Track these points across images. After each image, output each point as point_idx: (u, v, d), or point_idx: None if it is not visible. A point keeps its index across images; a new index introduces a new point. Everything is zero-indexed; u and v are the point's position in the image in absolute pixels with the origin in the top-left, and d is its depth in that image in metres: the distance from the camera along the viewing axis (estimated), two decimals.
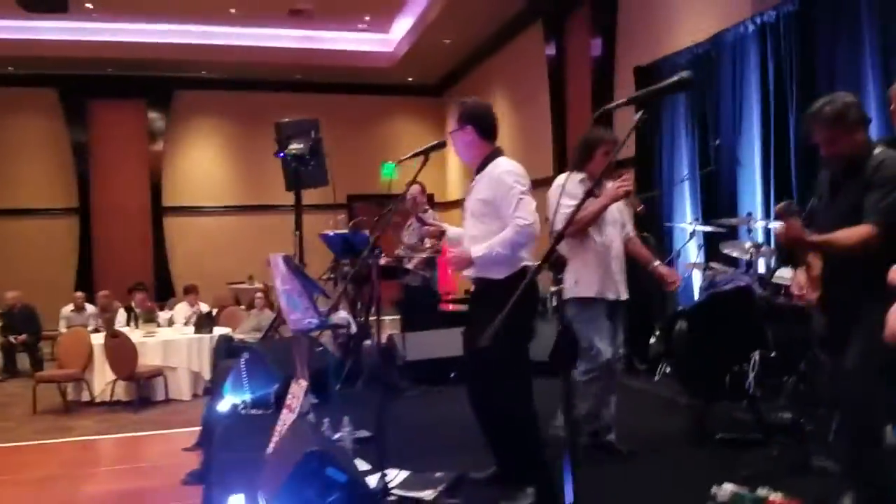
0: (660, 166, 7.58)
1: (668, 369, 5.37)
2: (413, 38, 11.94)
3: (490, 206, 3.22)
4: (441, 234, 3.55)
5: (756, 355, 4.16)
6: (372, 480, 3.20)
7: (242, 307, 11.09)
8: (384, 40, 12.78)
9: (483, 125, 3.33)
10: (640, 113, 1.77)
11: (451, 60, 13.02)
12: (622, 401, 3.98)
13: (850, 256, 2.65)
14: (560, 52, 9.67)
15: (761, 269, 5.23)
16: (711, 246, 6.27)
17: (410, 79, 14.03)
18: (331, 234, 5.72)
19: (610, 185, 3.76)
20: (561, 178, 3.87)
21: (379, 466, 3.21)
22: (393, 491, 3.28)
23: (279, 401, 4.92)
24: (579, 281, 3.73)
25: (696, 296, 6.15)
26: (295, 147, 6.45)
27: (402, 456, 3.62)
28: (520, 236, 3.12)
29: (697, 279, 6.38)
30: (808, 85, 5.76)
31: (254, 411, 4.97)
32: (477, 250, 3.18)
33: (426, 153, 3.35)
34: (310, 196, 7.11)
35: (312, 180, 6.91)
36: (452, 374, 5.63)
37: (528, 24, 10.50)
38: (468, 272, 3.33)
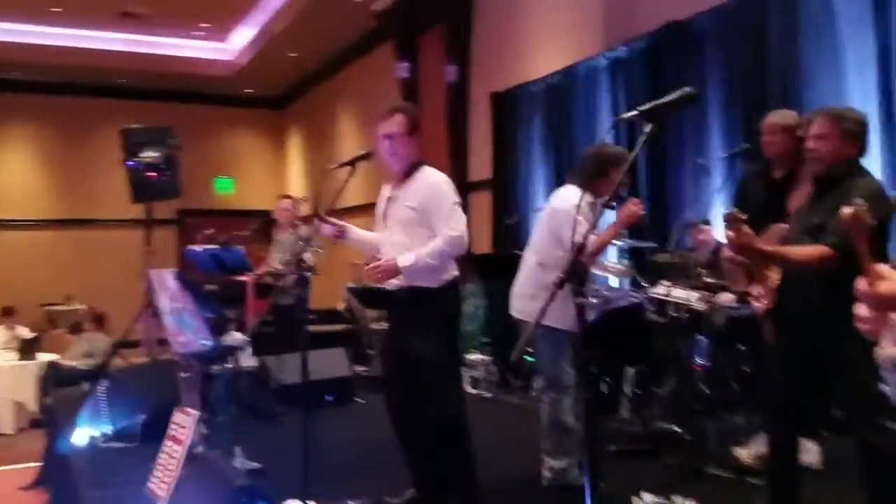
0: (515, 192, 7.83)
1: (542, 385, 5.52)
2: (256, 48, 11.58)
3: (420, 214, 3.19)
4: (342, 232, 3.43)
5: (631, 370, 4.41)
6: None
7: (62, 330, 10.13)
8: (223, 49, 12.29)
9: (419, 135, 3.30)
10: (650, 126, 1.81)
11: (295, 74, 12.76)
12: (503, 417, 4.02)
13: (804, 273, 2.76)
14: (413, 74, 9.77)
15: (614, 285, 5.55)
16: None
17: (250, 90, 13.58)
18: (199, 249, 5.37)
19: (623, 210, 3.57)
20: (575, 195, 3.53)
21: (303, 495, 3.03)
22: None
23: (148, 431, 4.54)
24: (556, 309, 3.55)
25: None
26: (149, 155, 6.02)
27: (306, 485, 3.41)
28: (451, 247, 3.13)
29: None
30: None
31: (116, 444, 4.54)
32: (404, 259, 3.13)
33: (353, 163, 3.24)
34: (131, 211, 6.67)
35: (164, 191, 6.48)
36: (329, 398, 5.46)
37: (379, 42, 10.52)
38: (393, 282, 3.25)
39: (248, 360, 5.49)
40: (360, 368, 6.63)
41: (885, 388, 2.03)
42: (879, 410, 2.76)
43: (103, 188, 12.22)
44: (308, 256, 6.05)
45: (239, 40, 11.88)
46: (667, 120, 7.59)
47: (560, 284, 1.78)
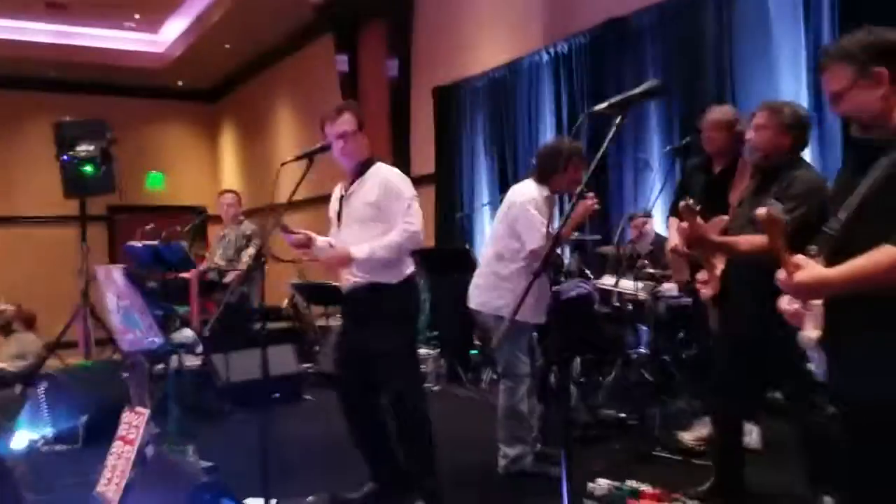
0: (458, 187, 7.88)
1: (493, 376, 5.60)
2: (189, 40, 11.29)
3: (378, 210, 3.19)
4: (308, 241, 3.41)
5: (579, 359, 4.51)
6: None
7: None
8: (154, 41, 11.94)
9: (365, 130, 3.30)
10: (619, 118, 1.86)
11: (229, 66, 12.48)
12: (455, 410, 4.06)
13: (750, 261, 2.87)
14: (353, 68, 9.71)
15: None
16: None
17: (182, 83, 13.24)
18: (138, 245, 5.23)
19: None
20: (534, 189, 3.66)
21: (265, 494, 3.01)
22: None
23: (90, 433, 4.43)
24: (513, 300, 3.55)
25: None
26: (84, 150, 5.84)
27: (267, 482, 3.38)
28: (407, 241, 3.15)
29: None
30: None
31: (58, 447, 4.40)
32: (359, 250, 3.13)
33: (310, 156, 3.21)
34: (61, 207, 6.45)
35: (98, 187, 6.31)
36: (276, 395, 5.41)
37: (317, 35, 10.40)
38: (347, 276, 3.25)
39: (190, 359, 5.39)
40: (306, 365, 6.58)
41: (812, 367, 2.16)
42: (814, 390, 2.93)
43: (29, 184, 11.75)
44: (252, 253, 6.01)
45: (171, 32, 11.56)
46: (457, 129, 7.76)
47: (537, 274, 1.81)
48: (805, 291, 1.85)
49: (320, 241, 3.44)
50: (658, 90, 1.87)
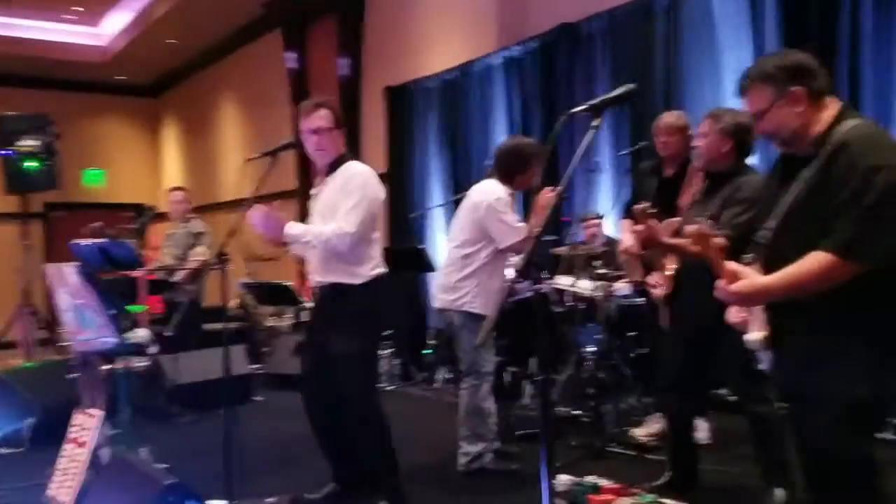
0: (410, 187, 7.88)
1: (447, 375, 5.63)
2: (132, 34, 11.02)
3: (336, 206, 3.17)
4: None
5: (534, 358, 4.58)
6: None
7: None
8: (95, 34, 11.62)
9: (344, 129, 3.28)
10: (597, 120, 1.93)
11: (173, 61, 12.22)
12: (409, 409, 4.08)
13: (701, 263, 2.96)
14: (302, 65, 9.62)
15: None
16: None
17: (123, 77, 12.91)
18: (85, 243, 5.09)
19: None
20: (499, 189, 3.73)
21: (228, 496, 2.97)
22: None
23: (38, 436, 4.30)
24: (479, 296, 3.65)
25: None
26: (28, 144, 5.66)
27: (230, 484, 3.33)
28: (335, 238, 3.09)
29: None
30: (550, 115, 6.46)
31: (3, 450, 4.26)
32: (293, 226, 3.13)
33: (275, 153, 3.18)
34: None
35: (41, 183, 6.12)
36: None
37: (266, 30, 10.26)
38: (313, 277, 3.22)
39: (138, 360, 5.28)
40: (255, 366, 6.51)
41: (762, 366, 2.28)
42: (764, 384, 3.05)
43: None
44: (201, 251, 5.91)
45: (112, 25, 11.27)
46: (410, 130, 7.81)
47: (521, 273, 1.85)
48: (743, 299, 1.98)
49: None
50: (633, 94, 1.94)
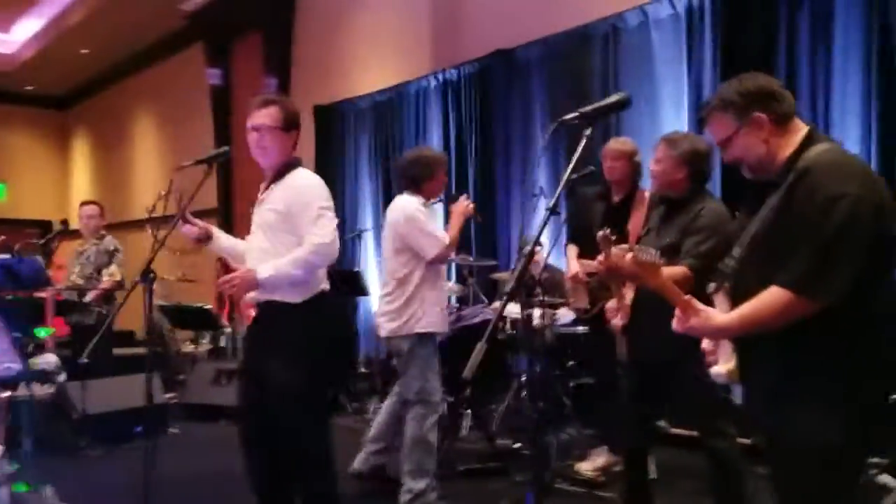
0: (341, 208, 7.65)
1: (380, 405, 5.38)
2: (42, 43, 10.48)
3: (285, 217, 2.88)
4: (208, 237, 3.09)
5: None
6: None
7: None
8: (3, 41, 10.96)
9: (298, 132, 3.02)
10: (589, 129, 1.81)
11: (86, 72, 11.66)
12: (339, 441, 3.85)
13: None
14: (227, 82, 9.28)
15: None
16: None
17: (31, 87, 12.22)
18: None
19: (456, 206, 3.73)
20: (414, 200, 3.63)
21: None
22: None
23: None
24: (426, 313, 3.52)
25: None
26: None
27: None
28: (316, 256, 2.82)
29: None
30: (487, 138, 6.39)
31: None
32: (263, 270, 2.81)
33: (210, 162, 2.91)
34: None
35: None
36: (138, 428, 4.94)
37: (187, 44, 9.88)
38: (252, 295, 2.95)
39: (41, 387, 4.84)
40: (169, 395, 6.08)
41: (733, 398, 2.19)
42: (722, 417, 2.98)
43: None
44: (115, 270, 5.50)
45: (22, 32, 10.67)
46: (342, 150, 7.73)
47: (512, 295, 1.68)
48: (698, 334, 1.91)
49: (220, 236, 3.15)
50: (626, 103, 1.83)
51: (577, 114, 1.85)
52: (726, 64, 4.85)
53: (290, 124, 2.95)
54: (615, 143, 4.02)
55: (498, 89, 6.32)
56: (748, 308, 1.83)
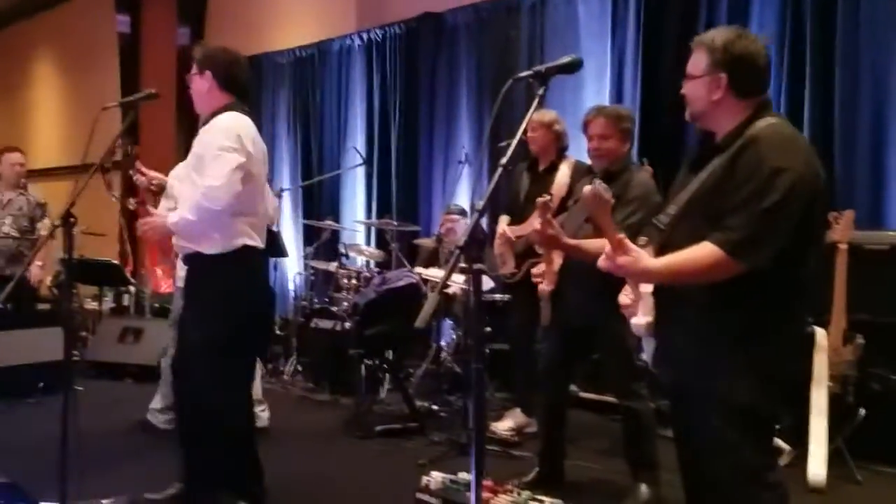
0: None
1: (298, 367, 5.34)
2: None
3: (199, 160, 2.74)
4: (161, 189, 2.95)
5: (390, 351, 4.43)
6: None
7: None
8: None
9: (225, 74, 2.84)
10: (542, 88, 1.82)
11: None
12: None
13: (585, 263, 2.89)
14: (135, 30, 8.83)
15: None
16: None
17: None
18: None
19: None
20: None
21: (61, 497, 2.56)
22: None
23: None
24: None
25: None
26: None
27: (64, 483, 2.83)
28: (205, 199, 2.63)
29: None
30: (412, 100, 6.35)
31: None
32: (173, 216, 2.73)
33: (135, 104, 2.78)
34: None
35: None
36: (42, 384, 4.76)
37: None
38: (176, 244, 2.85)
39: None
40: (73, 353, 5.82)
41: (644, 356, 2.27)
42: (638, 380, 3.10)
43: None
44: (48, 223, 5.16)
45: None
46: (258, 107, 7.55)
47: (462, 250, 1.68)
48: (624, 272, 1.92)
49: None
50: (578, 64, 1.85)
51: (531, 72, 1.85)
52: (649, 38, 4.99)
53: (210, 69, 2.81)
54: (535, 114, 4.06)
55: (424, 53, 6.28)
56: (677, 258, 1.87)
